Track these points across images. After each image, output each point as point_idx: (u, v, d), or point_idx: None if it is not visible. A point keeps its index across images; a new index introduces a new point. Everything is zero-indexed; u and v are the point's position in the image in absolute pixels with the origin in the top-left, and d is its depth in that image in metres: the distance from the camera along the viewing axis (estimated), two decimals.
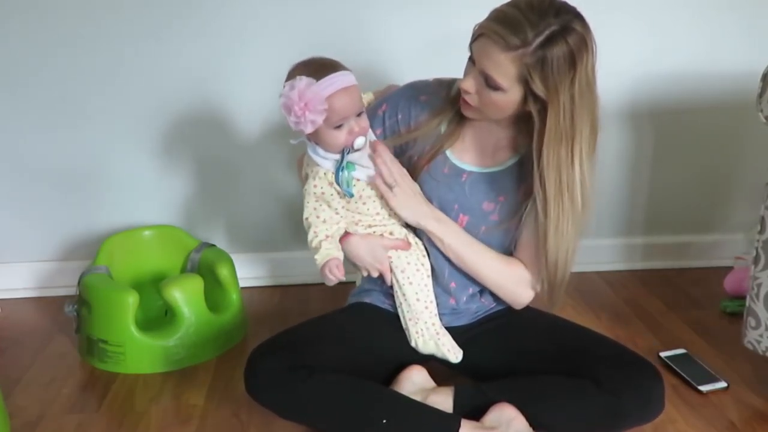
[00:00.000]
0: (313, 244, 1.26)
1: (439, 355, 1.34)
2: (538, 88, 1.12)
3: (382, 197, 1.28)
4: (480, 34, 1.14)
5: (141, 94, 1.82)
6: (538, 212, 1.24)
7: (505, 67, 1.12)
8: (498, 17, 1.12)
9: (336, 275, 1.24)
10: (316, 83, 1.15)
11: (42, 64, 1.78)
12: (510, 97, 1.16)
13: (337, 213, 1.28)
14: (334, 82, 1.17)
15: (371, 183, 1.27)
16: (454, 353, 1.33)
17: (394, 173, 1.26)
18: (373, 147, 1.26)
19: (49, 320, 1.82)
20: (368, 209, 1.30)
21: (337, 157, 1.23)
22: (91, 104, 1.82)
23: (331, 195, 1.26)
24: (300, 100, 1.13)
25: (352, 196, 1.25)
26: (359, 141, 1.22)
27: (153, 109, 1.84)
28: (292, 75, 1.19)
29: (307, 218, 1.27)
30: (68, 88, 1.80)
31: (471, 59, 1.18)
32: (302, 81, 1.14)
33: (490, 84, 1.15)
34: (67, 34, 1.75)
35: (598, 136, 1.20)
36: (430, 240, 1.33)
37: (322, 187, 1.25)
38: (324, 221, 1.26)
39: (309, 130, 1.16)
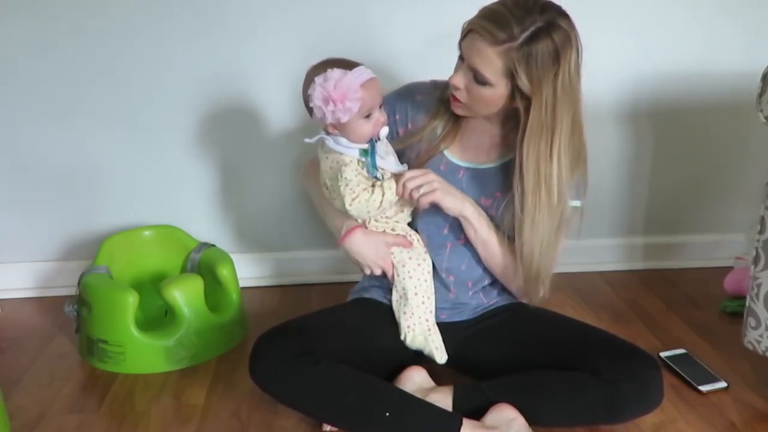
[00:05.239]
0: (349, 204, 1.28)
1: (426, 351, 1.35)
2: (523, 82, 1.17)
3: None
4: (469, 30, 1.20)
5: (141, 93, 1.82)
6: (515, 207, 1.26)
7: (492, 62, 1.17)
8: (486, 14, 1.18)
9: None
10: (349, 73, 1.20)
11: (41, 63, 1.77)
12: (497, 91, 1.21)
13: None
14: (362, 73, 1.24)
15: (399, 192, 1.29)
16: (440, 352, 1.35)
17: (423, 176, 1.28)
18: (396, 177, 1.30)
19: (49, 320, 1.82)
20: None
21: (361, 146, 1.28)
22: (92, 104, 1.82)
23: (357, 185, 1.29)
24: (336, 90, 1.19)
25: (382, 179, 1.29)
26: (384, 131, 1.29)
27: (153, 109, 1.83)
28: (316, 72, 1.23)
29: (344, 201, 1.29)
30: (68, 87, 1.80)
31: (460, 57, 1.23)
32: (335, 72, 1.20)
33: (479, 79, 1.20)
34: (65, 33, 1.75)
35: (582, 134, 1.25)
36: (428, 234, 1.37)
37: (353, 171, 1.28)
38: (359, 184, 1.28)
39: (346, 118, 1.22)
